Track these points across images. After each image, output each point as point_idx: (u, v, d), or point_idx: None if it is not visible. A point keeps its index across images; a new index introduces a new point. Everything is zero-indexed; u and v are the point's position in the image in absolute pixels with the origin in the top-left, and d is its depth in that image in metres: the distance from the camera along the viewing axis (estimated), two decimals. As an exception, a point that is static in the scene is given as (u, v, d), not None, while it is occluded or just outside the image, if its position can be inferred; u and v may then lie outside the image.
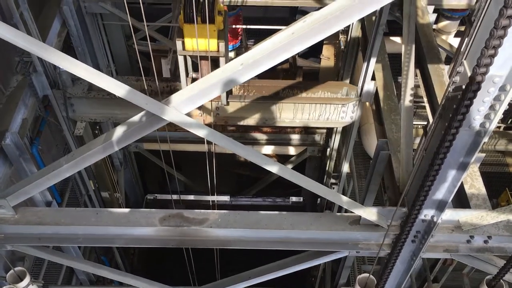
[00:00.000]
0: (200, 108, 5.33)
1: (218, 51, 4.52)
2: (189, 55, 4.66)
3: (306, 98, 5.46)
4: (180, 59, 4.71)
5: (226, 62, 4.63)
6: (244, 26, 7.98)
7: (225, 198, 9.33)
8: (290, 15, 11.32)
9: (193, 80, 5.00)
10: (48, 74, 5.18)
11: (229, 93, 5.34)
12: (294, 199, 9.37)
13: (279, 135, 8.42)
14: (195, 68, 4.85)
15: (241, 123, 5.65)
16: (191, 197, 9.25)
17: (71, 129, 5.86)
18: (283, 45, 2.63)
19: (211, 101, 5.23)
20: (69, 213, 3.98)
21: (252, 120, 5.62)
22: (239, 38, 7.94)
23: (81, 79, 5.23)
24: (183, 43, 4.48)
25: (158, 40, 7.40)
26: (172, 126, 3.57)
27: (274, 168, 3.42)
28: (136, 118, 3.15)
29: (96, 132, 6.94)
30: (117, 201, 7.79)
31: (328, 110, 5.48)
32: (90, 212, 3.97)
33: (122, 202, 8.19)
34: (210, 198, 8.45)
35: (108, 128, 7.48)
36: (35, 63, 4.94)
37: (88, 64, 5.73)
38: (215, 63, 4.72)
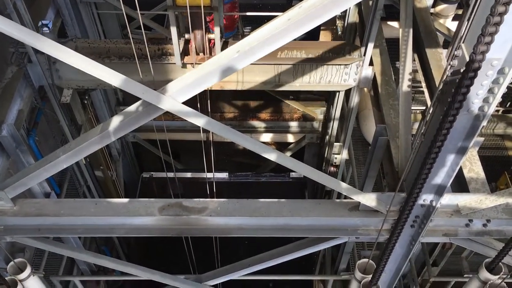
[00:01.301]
0: None
1: (211, 5, 4.32)
2: (181, 12, 4.41)
3: (306, 59, 5.14)
4: (171, 17, 4.43)
5: (220, 20, 4.55)
6: (240, 13, 7.91)
7: (224, 175, 9.08)
8: (287, 1, 11.22)
9: (186, 42, 4.88)
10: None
11: None
12: (294, 174, 9.13)
13: (277, 122, 8.41)
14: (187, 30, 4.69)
15: (237, 87, 5.38)
16: (188, 175, 9.01)
17: (66, 117, 5.76)
18: (279, 31, 2.61)
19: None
20: (68, 204, 3.98)
21: (248, 84, 5.34)
22: (236, 25, 7.89)
23: (67, 42, 5.10)
24: (174, -2, 4.24)
25: (153, 28, 7.33)
26: (169, 115, 3.56)
27: (273, 155, 3.41)
28: (132, 107, 3.13)
29: (85, 102, 6.47)
30: (110, 178, 7.63)
31: (329, 72, 5.20)
32: (89, 203, 3.97)
33: (117, 181, 8.05)
34: (208, 175, 8.09)
35: (98, 97, 7.34)
36: (29, 53, 4.90)
37: (84, 54, 5.68)
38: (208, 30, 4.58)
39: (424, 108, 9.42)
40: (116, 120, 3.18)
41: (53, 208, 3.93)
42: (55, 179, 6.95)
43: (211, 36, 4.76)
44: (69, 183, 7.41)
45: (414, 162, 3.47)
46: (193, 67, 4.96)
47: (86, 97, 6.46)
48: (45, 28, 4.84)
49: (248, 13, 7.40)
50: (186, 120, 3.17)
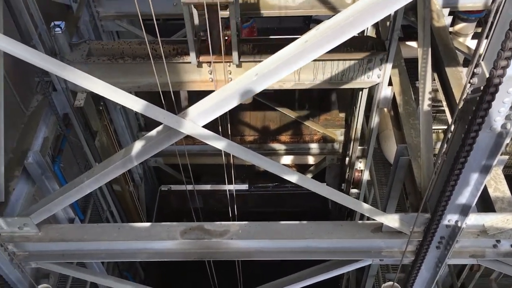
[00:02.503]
0: (210, 72, 4.94)
1: (227, -2, 4.08)
2: (194, 2, 4.15)
3: (327, 55, 5.09)
4: (186, 13, 4.21)
5: (236, 14, 4.36)
6: (258, 37, 8.03)
7: (244, 187, 8.79)
8: (304, 25, 11.36)
9: (202, 41, 4.71)
10: (45, 45, 4.83)
11: (241, 53, 4.85)
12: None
13: (298, 144, 8.40)
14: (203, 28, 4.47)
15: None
16: (208, 187, 8.73)
17: (92, 144, 5.80)
18: (297, 53, 2.64)
19: (224, 62, 4.76)
20: (91, 229, 4.02)
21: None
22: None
23: (80, 44, 5.05)
24: (187, -10, 4.06)
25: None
26: (190, 139, 3.59)
27: (294, 178, 3.41)
28: (154, 132, 3.18)
29: (100, 108, 6.35)
30: (129, 194, 7.56)
31: (352, 68, 4.93)
32: (111, 227, 4.02)
33: (139, 205, 7.96)
34: (227, 187, 7.74)
35: (120, 123, 7.29)
36: (54, 82, 5.04)
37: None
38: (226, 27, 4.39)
39: (446, 127, 9.30)
40: (138, 145, 3.24)
41: (76, 233, 3.98)
42: (79, 205, 7.05)
43: (228, 32, 4.54)
44: (92, 208, 7.51)
45: (437, 182, 3.42)
46: (209, 66, 4.86)
47: (102, 103, 6.39)
48: (57, 29, 4.76)
49: (266, 37, 7.49)
50: (207, 144, 3.21)
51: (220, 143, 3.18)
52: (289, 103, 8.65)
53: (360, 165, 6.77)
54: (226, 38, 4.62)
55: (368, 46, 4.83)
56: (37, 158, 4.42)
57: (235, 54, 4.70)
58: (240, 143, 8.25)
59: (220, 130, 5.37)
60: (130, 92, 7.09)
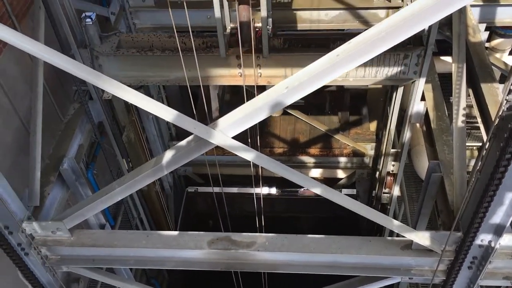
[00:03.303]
0: (239, 66, 4.78)
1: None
2: None
3: None
4: (216, 3, 4.12)
5: (268, 5, 4.25)
6: (289, 32, 8.05)
7: (272, 191, 8.59)
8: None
9: (232, 35, 4.61)
10: (75, 33, 4.80)
11: (271, 43, 4.71)
12: (345, 191, 8.44)
13: (327, 158, 8.34)
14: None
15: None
16: (235, 190, 8.54)
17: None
18: (328, 67, 2.64)
19: (254, 54, 4.56)
20: (121, 235, 4.10)
21: None
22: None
23: (110, 36, 4.99)
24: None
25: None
26: (219, 150, 3.62)
27: (324, 192, 3.39)
28: (184, 142, 3.23)
29: (129, 103, 6.02)
30: (156, 194, 7.44)
31: (387, 63, 4.69)
32: (141, 235, 4.08)
33: (162, 197, 7.81)
34: (255, 190, 7.54)
35: (152, 132, 7.30)
36: (91, 91, 5.19)
37: (140, 91, 5.90)
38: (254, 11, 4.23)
39: (480, 144, 9.07)
40: (168, 154, 3.29)
41: (107, 239, 4.07)
42: (110, 212, 7.19)
43: (258, 25, 4.42)
44: (123, 215, 7.64)
45: (470, 200, 3.34)
46: (238, 59, 4.71)
47: None
48: (88, 20, 4.73)
49: (297, 31, 7.37)
50: (236, 155, 3.23)
51: (249, 155, 3.20)
52: (319, 116, 8.63)
53: (390, 179, 6.66)
54: (257, 30, 4.49)
55: (405, 41, 4.71)
56: (72, 164, 4.55)
57: (265, 47, 4.56)
58: (269, 155, 8.26)
59: (250, 141, 5.38)
60: (159, 87, 7.24)
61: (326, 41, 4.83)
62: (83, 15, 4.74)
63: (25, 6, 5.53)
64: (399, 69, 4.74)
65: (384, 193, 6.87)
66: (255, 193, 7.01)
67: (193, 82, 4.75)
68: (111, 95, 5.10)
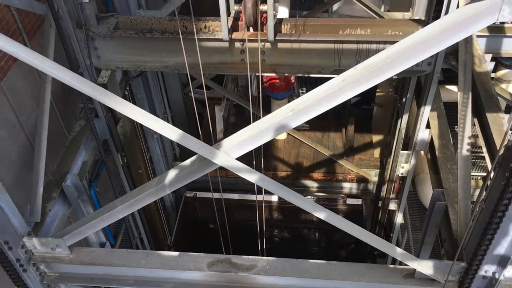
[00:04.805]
0: (242, 52, 4.49)
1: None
2: None
3: (371, 36, 4.36)
4: None
5: None
6: (295, 75, 8.12)
7: (273, 198, 8.33)
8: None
9: (236, 14, 4.29)
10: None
11: (277, 30, 4.38)
12: (350, 201, 8.25)
13: (330, 183, 8.30)
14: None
15: (291, 73, 4.69)
16: (235, 196, 8.26)
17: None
18: (333, 91, 2.66)
19: (258, 38, 4.30)
20: (120, 254, 4.06)
21: (304, 69, 4.61)
22: (291, 86, 8.09)
23: (108, 17, 4.65)
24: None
25: (212, 88, 7.65)
26: (223, 171, 3.61)
27: (325, 215, 3.36)
28: (188, 162, 3.23)
29: (126, 93, 5.92)
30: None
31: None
32: (140, 254, 4.04)
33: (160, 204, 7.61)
34: (256, 197, 7.64)
35: (156, 151, 7.28)
36: (97, 109, 5.23)
37: (146, 110, 5.89)
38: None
39: (485, 174, 9.03)
40: (172, 173, 3.29)
41: (106, 258, 4.03)
42: (111, 230, 7.15)
43: (264, 8, 4.10)
44: (123, 234, 7.59)
45: (475, 230, 3.30)
46: (242, 45, 4.42)
47: (127, 88, 5.99)
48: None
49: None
50: (239, 177, 3.22)
51: (252, 176, 3.19)
52: (323, 141, 8.63)
53: (394, 207, 6.61)
54: (263, 13, 4.17)
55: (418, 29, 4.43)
56: (75, 181, 4.55)
57: (270, 31, 4.22)
58: (273, 178, 8.21)
59: (254, 163, 5.35)
60: (165, 106, 7.18)
61: (334, 28, 4.60)
62: None
63: (36, 23, 5.62)
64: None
65: (387, 219, 6.80)
66: (257, 200, 6.82)
67: (193, 69, 4.50)
68: (106, 79, 4.91)
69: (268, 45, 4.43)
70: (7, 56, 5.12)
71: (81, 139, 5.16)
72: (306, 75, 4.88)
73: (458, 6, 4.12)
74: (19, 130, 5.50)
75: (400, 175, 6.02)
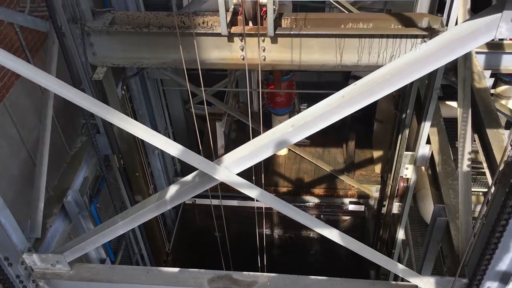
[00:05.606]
0: (242, 49, 4.36)
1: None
2: None
3: (374, 29, 4.22)
4: None
5: None
6: (296, 91, 8.17)
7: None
8: (343, 80, 11.49)
9: (235, 7, 4.22)
10: (67, 11, 4.33)
11: (277, 24, 4.23)
12: (352, 208, 8.13)
13: (331, 198, 8.29)
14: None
15: (292, 68, 4.57)
16: (235, 203, 8.18)
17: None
18: (333, 107, 2.67)
19: (258, 33, 4.18)
20: (120, 270, 4.04)
21: (305, 64, 4.48)
22: (292, 102, 8.13)
23: (104, 12, 4.52)
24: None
25: (213, 104, 7.69)
26: (223, 187, 3.61)
27: (326, 231, 3.35)
28: (189, 177, 3.23)
29: (123, 93, 5.78)
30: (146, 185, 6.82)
31: (403, 47, 4.22)
32: (141, 271, 4.02)
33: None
34: (255, 204, 7.02)
35: (157, 167, 7.28)
36: (99, 125, 5.25)
37: (147, 125, 5.86)
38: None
39: (485, 190, 9.01)
40: (172, 189, 3.29)
41: (106, 274, 4.01)
42: (111, 246, 7.12)
43: (263, 1, 3.97)
44: (124, 250, 7.55)
45: (476, 246, 3.28)
46: (241, 40, 4.28)
47: (125, 87, 5.83)
48: None
49: (304, 91, 7.57)
50: (240, 192, 3.23)
51: (253, 192, 3.19)
52: (324, 156, 8.64)
53: (395, 222, 6.58)
54: (262, 7, 4.05)
55: (423, 24, 4.12)
56: (75, 196, 4.55)
57: (270, 24, 4.06)
58: (274, 194, 8.21)
59: (254, 179, 5.35)
60: (166, 121, 7.18)
61: (336, 23, 4.52)
62: None
63: (39, 40, 5.67)
64: None
65: (389, 235, 6.77)
66: (256, 207, 6.70)
67: (192, 65, 4.39)
68: (102, 76, 4.75)
69: (268, 40, 4.30)
70: (10, 72, 5.16)
71: (83, 155, 5.18)
72: (305, 70, 4.74)
73: (456, 23, 4.16)
74: (20, 146, 5.51)
75: (404, 176, 5.83)
